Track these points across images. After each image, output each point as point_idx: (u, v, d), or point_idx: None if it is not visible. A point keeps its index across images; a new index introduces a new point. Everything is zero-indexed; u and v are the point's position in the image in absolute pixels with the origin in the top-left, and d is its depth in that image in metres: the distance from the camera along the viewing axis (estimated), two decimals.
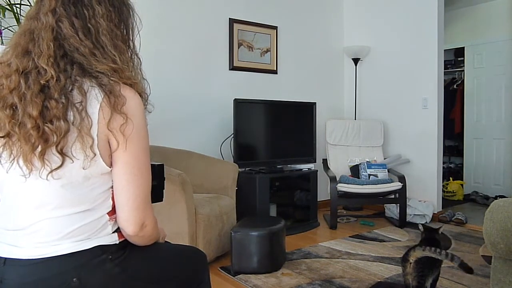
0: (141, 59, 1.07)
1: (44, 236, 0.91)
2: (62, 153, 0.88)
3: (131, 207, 0.96)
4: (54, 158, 0.89)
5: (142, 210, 0.97)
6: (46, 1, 0.94)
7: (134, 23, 1.06)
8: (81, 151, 0.89)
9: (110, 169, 0.95)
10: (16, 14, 2.46)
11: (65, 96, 0.89)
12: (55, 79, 0.89)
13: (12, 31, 2.46)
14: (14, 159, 0.90)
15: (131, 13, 1.05)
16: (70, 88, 0.90)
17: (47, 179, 0.89)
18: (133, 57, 1.05)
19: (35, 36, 0.93)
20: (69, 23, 0.93)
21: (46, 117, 0.88)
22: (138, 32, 1.08)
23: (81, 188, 0.93)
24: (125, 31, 1.03)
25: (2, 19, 2.52)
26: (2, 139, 0.90)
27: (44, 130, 0.87)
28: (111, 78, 0.93)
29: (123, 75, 0.95)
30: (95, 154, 0.90)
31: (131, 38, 1.05)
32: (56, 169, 0.89)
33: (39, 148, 0.88)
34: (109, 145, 0.93)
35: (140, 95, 0.99)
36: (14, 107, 0.89)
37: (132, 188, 0.95)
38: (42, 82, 0.89)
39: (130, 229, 0.97)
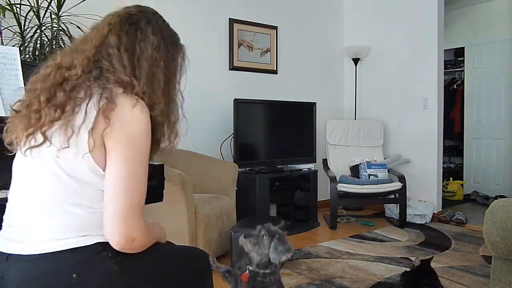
0: (183, 97, 1.15)
1: (46, 232, 0.92)
2: (44, 135, 0.94)
3: (116, 216, 0.91)
4: (37, 137, 0.95)
5: (130, 221, 0.92)
6: (109, 16, 1.05)
7: (183, 64, 1.14)
8: (59, 139, 0.93)
9: (104, 172, 0.94)
10: (16, 14, 2.46)
11: (73, 91, 0.95)
12: (78, 75, 0.97)
13: (12, 31, 2.46)
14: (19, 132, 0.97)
15: (180, 53, 1.14)
16: (81, 85, 0.96)
17: (25, 154, 0.96)
18: (175, 93, 1.12)
19: (88, 40, 1.03)
20: (117, 36, 1.01)
21: (49, 104, 0.94)
22: (185, 72, 1.15)
23: (83, 187, 0.94)
24: (166, 66, 1.07)
25: (2, 19, 2.51)
26: (16, 112, 1.01)
27: (41, 113, 0.94)
28: (120, 88, 0.97)
29: (134, 91, 0.98)
30: (68, 146, 0.92)
31: (176, 76, 1.12)
32: (34, 147, 0.95)
33: (31, 129, 0.95)
34: (104, 148, 0.94)
35: (156, 118, 1.02)
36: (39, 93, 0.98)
37: (119, 194, 0.92)
38: (66, 75, 0.97)
39: (115, 242, 0.92)
